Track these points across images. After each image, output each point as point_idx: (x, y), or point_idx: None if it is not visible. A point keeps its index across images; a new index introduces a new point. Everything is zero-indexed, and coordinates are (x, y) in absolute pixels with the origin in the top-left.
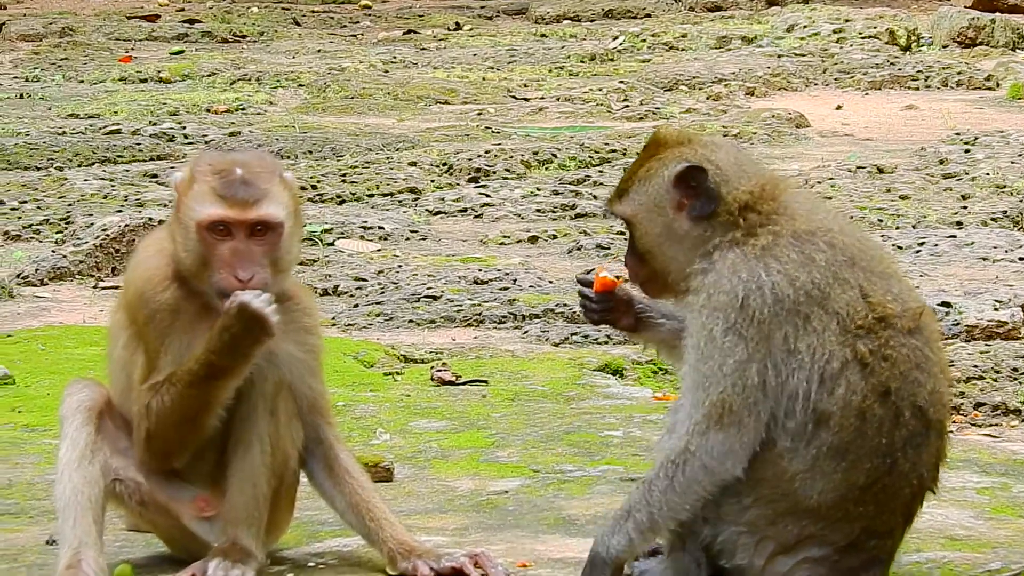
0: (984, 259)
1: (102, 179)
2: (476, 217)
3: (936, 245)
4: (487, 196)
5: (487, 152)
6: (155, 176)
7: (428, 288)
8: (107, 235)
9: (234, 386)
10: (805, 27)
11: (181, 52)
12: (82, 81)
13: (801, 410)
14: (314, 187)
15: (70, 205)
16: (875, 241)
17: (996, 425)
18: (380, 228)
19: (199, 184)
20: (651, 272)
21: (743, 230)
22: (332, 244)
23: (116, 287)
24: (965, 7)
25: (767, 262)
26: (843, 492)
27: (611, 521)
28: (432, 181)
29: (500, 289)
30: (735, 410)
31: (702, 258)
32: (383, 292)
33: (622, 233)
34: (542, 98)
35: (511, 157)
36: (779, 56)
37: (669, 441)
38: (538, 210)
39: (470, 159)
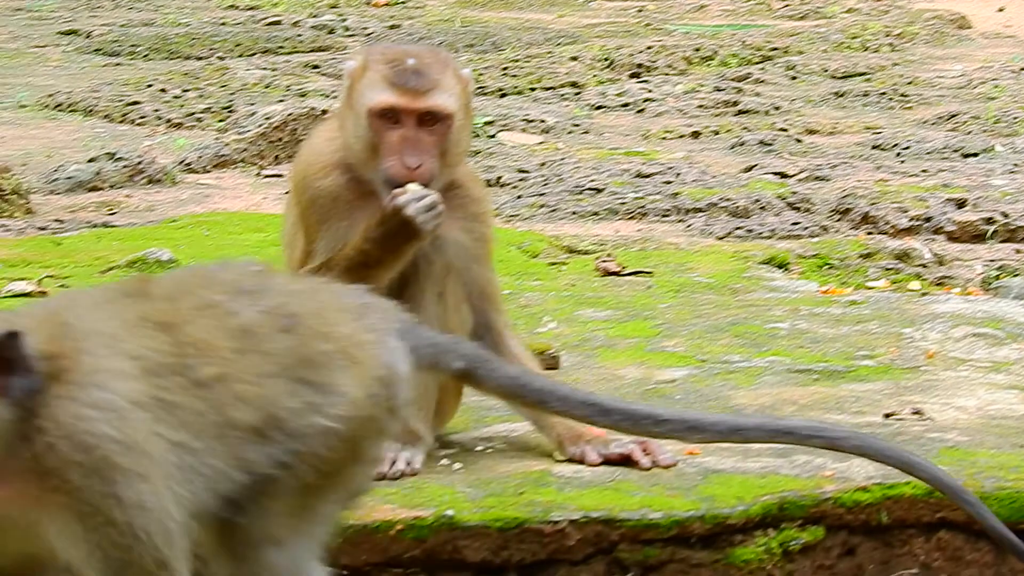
0: None
1: (263, 69)
2: (638, 112)
3: None
4: (649, 91)
5: (648, 48)
6: (316, 67)
7: (591, 180)
8: (270, 123)
9: (387, 276)
10: None
11: None
12: None
13: None
14: (476, 80)
15: (232, 94)
16: None
17: None
18: (542, 121)
19: (371, 72)
20: None
21: None
22: (494, 136)
23: (279, 175)
24: None
25: None
26: None
27: None
28: (594, 76)
29: (663, 183)
30: None
31: None
32: (546, 184)
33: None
34: None
35: (672, 53)
36: None
37: None
38: (700, 106)
39: (631, 55)
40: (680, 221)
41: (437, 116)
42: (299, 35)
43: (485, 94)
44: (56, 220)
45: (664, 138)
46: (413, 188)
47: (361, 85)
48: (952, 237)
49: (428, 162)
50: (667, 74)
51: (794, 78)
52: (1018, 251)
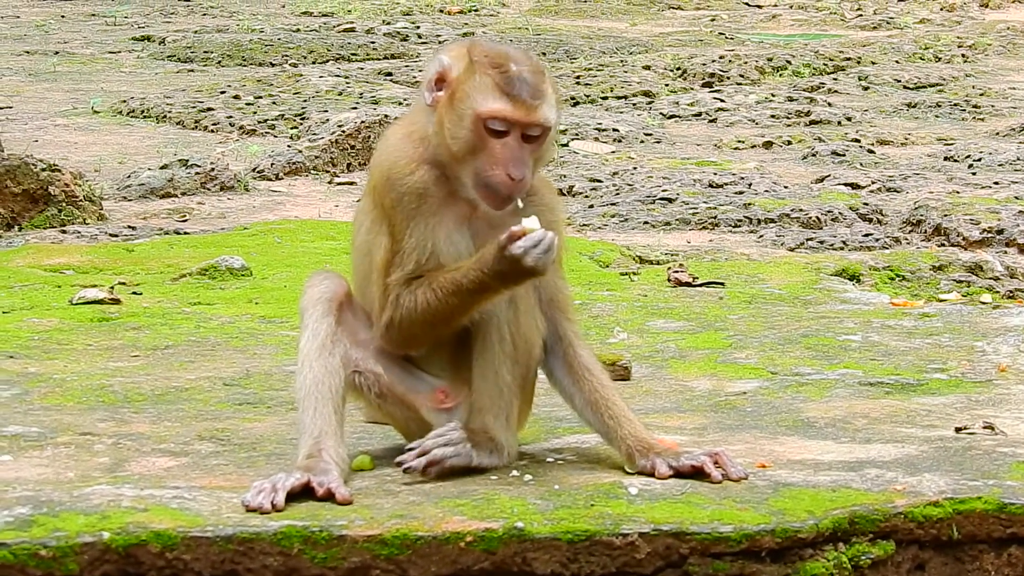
0: None
1: (337, 76)
2: (710, 121)
3: None
4: (721, 101)
5: (721, 57)
6: (389, 74)
7: (663, 190)
8: (343, 131)
9: (497, 300)
10: None
11: None
12: None
13: None
14: None
15: (305, 101)
16: None
17: None
18: (615, 130)
19: (480, 75)
20: None
21: None
22: (567, 145)
23: (351, 183)
24: None
25: None
26: None
27: None
28: (666, 85)
29: (735, 193)
30: None
31: None
32: (618, 193)
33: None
34: (775, 5)
35: (745, 63)
36: None
37: None
38: (772, 116)
39: (704, 64)
40: (752, 232)
41: (542, 129)
42: (372, 42)
43: None
44: (128, 227)
45: (736, 148)
46: (530, 233)
47: (468, 87)
48: None
49: (528, 173)
50: (740, 84)
51: (866, 89)
52: None
